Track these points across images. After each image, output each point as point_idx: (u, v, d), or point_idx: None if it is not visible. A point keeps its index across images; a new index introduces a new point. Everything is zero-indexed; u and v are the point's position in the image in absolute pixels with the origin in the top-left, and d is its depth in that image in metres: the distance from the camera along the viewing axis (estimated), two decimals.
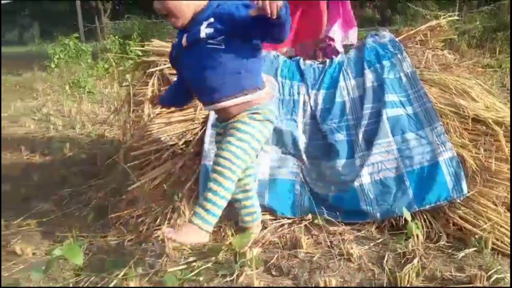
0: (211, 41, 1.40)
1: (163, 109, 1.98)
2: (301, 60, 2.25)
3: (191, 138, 1.99)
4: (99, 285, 1.48)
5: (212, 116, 1.97)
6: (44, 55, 7.85)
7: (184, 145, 1.98)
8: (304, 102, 2.12)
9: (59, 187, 2.38)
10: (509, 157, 1.80)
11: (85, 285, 1.48)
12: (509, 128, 1.86)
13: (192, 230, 1.40)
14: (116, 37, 7.97)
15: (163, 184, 1.91)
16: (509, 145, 1.83)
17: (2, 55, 11.35)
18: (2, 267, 1.60)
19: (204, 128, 1.97)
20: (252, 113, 1.48)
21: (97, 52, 8.22)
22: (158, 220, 1.85)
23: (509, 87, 4.37)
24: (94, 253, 1.64)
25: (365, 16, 14.27)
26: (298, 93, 2.12)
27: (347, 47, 2.47)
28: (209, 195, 1.41)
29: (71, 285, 1.46)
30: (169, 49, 2.05)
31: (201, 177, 1.90)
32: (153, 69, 2.05)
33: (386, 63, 2.14)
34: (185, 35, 1.46)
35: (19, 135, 3.65)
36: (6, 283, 1.44)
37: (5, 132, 3.75)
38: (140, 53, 6.94)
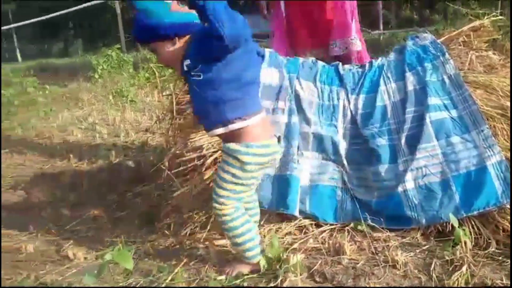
0: (192, 73, 1.45)
1: None
2: (340, 65, 2.25)
3: None
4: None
5: None
6: (88, 66, 8.19)
7: None
8: (344, 107, 2.11)
9: (107, 194, 2.48)
10: None
11: None
12: None
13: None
14: None
15: (205, 191, 1.96)
16: None
17: (48, 67, 11.93)
18: (55, 271, 1.68)
19: None
20: (229, 155, 1.47)
21: (138, 62, 8.48)
22: (202, 226, 1.90)
23: None
24: (142, 258, 1.70)
25: (403, 16, 13.99)
26: (338, 98, 2.11)
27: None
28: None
29: None
30: None
31: None
32: None
33: (428, 65, 2.09)
34: None
35: (67, 143, 3.82)
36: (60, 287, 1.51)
37: (54, 141, 3.94)
38: None
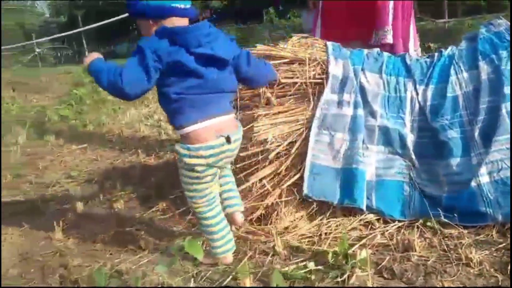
0: None
1: (269, 111, 2.04)
2: (407, 55, 2.17)
3: (295, 139, 2.02)
4: (216, 278, 1.57)
5: (318, 115, 1.99)
6: None
7: (288, 146, 2.02)
8: (412, 99, 2.04)
9: (174, 187, 2.57)
10: None
11: (203, 279, 1.58)
12: None
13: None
14: None
15: (268, 184, 1.98)
16: None
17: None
18: (129, 260, 1.77)
19: (309, 128, 1.99)
20: (179, 158, 1.59)
21: None
22: (265, 220, 1.92)
23: None
24: (208, 249, 1.74)
25: (470, 3, 13.20)
26: (405, 90, 2.04)
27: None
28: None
29: (192, 280, 1.57)
30: (273, 52, 2.12)
31: (306, 174, 1.93)
32: None
33: (503, 53, 1.97)
34: None
35: (135, 139, 4.01)
36: (136, 275, 1.59)
37: (123, 137, 4.15)
38: None
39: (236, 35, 9.22)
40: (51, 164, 3.43)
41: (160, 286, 1.54)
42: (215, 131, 1.54)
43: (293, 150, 2.00)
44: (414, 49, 2.68)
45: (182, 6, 1.52)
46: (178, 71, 1.48)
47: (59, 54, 20.58)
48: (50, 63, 17.74)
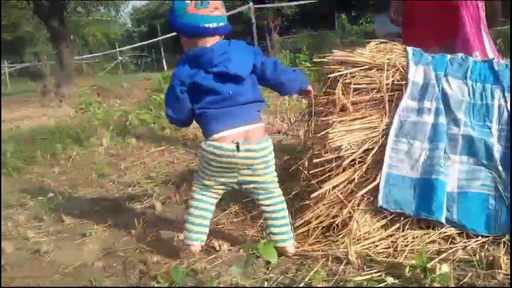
0: None
1: (344, 117, 2.01)
2: (495, 60, 2.04)
3: (371, 146, 1.98)
4: (287, 283, 1.57)
5: (396, 122, 1.93)
6: None
7: (364, 154, 1.98)
8: (500, 107, 1.91)
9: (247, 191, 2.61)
10: None
11: (275, 283, 1.59)
12: None
13: None
14: (287, 51, 8.42)
15: (341, 192, 1.95)
16: None
17: None
18: (204, 259, 1.83)
19: (386, 135, 1.94)
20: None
21: None
22: (340, 228, 1.89)
23: None
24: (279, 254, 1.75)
25: None
26: (492, 97, 1.92)
27: None
28: None
29: (265, 283, 1.59)
30: (350, 58, 2.10)
31: (382, 184, 1.87)
32: (335, 74, 2.09)
33: None
34: None
35: None
36: (210, 275, 1.64)
37: (198, 140, 4.29)
38: (309, 65, 7.22)
39: (307, 41, 9.26)
40: (131, 165, 3.64)
41: (233, 287, 1.57)
42: (238, 137, 1.68)
43: (368, 158, 1.95)
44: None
45: (214, 25, 1.66)
46: (198, 90, 1.68)
47: (139, 62, 21.88)
48: (131, 70, 18.90)
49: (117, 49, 19.29)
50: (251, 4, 11.84)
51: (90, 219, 2.45)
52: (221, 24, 1.68)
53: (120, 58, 18.13)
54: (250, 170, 1.73)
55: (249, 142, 1.68)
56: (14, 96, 13.47)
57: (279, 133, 4.28)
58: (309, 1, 17.30)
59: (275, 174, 1.84)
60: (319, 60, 2.24)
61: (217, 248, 1.92)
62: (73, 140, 4.58)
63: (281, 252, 1.75)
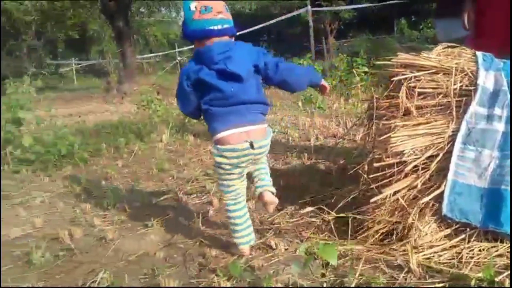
0: None
1: (408, 122, 1.96)
2: None
3: (436, 153, 1.92)
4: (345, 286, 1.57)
5: (463, 129, 1.86)
6: None
7: (427, 160, 1.92)
8: None
9: (303, 192, 2.62)
10: None
11: (328, 285, 1.59)
12: None
13: None
14: (344, 55, 8.31)
15: (403, 198, 1.90)
16: None
17: None
18: (260, 257, 1.85)
19: (452, 142, 1.87)
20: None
21: (325, 69, 8.73)
22: (399, 234, 1.85)
23: None
24: (339, 257, 1.74)
25: None
26: None
27: None
28: None
29: (324, 284, 1.59)
30: (417, 61, 2.05)
31: (446, 192, 1.82)
32: (399, 78, 2.05)
33: None
34: None
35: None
36: (267, 273, 1.66)
37: None
38: (366, 69, 7.09)
39: (365, 45, 9.08)
40: (190, 161, 3.75)
41: (291, 286, 1.58)
42: (241, 137, 1.76)
43: (432, 165, 1.90)
44: None
45: (219, 27, 1.78)
46: (203, 86, 1.78)
47: None
48: None
49: (176, 50, 19.89)
50: (309, 7, 11.79)
51: (151, 211, 2.55)
52: (226, 26, 1.81)
53: (179, 58, 18.65)
54: (255, 160, 1.85)
55: (260, 140, 1.79)
56: (79, 92, 14.27)
57: (334, 136, 4.24)
58: (368, 5, 16.99)
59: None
60: (382, 63, 2.20)
61: (274, 247, 1.94)
62: (135, 135, 4.78)
63: (267, 200, 1.91)
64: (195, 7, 1.77)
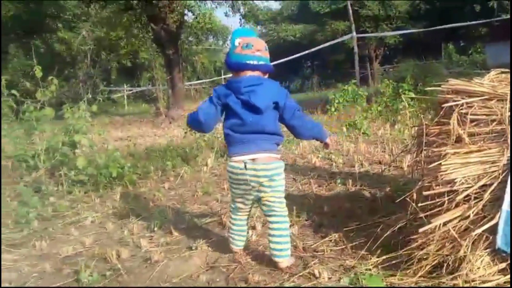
0: None
1: (459, 149, 1.90)
2: None
3: (489, 182, 1.84)
4: None
5: None
6: (325, 100, 8.77)
7: (480, 189, 1.84)
8: None
9: (347, 220, 2.57)
10: None
11: None
12: None
13: None
14: (390, 80, 8.19)
15: (454, 229, 1.82)
16: None
17: None
18: (302, 285, 1.83)
19: (507, 171, 1.79)
20: None
21: (371, 95, 8.64)
22: (450, 267, 1.77)
23: None
24: None
25: None
26: None
27: None
28: None
29: None
30: (469, 87, 1.99)
31: (501, 223, 1.72)
32: (450, 104, 2.00)
33: None
34: None
35: (308, 169, 4.15)
36: None
37: (297, 165, 4.34)
38: (413, 94, 6.94)
39: (412, 71, 8.90)
40: None
41: None
42: (244, 159, 2.00)
43: (486, 195, 1.81)
44: None
45: (254, 62, 2.03)
46: (227, 110, 2.05)
47: None
48: None
49: (222, 76, 20.41)
50: (354, 33, 11.81)
51: (196, 234, 2.59)
52: (261, 62, 2.04)
53: None
54: (257, 185, 2.00)
55: (256, 163, 1.99)
56: (130, 117, 14.87)
57: (380, 163, 4.16)
58: (414, 30, 16.77)
59: (282, 194, 2.05)
60: (432, 89, 2.16)
61: (317, 275, 1.91)
62: (181, 159, 4.91)
63: (274, 265, 2.03)
64: (239, 42, 2.04)
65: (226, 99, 2.02)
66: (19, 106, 4.30)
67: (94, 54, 20.32)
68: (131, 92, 24.57)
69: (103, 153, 4.41)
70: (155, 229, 2.75)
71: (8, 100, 4.23)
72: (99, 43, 19.97)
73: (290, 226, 2.52)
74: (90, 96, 4.84)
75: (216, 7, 23.12)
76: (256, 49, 2.04)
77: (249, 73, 2.03)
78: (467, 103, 1.97)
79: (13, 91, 4.21)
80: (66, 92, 17.32)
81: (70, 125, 4.20)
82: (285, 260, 2.01)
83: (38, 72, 4.15)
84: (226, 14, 21.93)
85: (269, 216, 2.05)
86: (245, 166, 1.99)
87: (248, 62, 2.02)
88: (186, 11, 14.19)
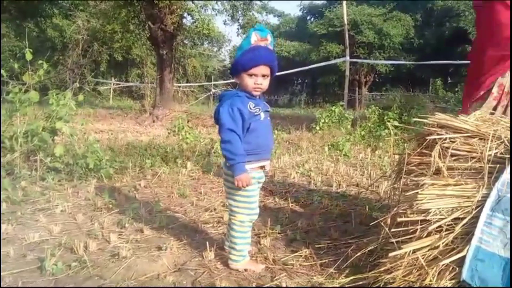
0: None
1: (438, 181, 1.94)
2: None
3: (462, 216, 1.87)
4: None
5: (493, 196, 1.82)
6: (311, 118, 8.83)
7: (453, 222, 1.88)
8: None
9: (320, 237, 2.58)
10: None
11: None
12: None
13: None
14: (376, 107, 8.32)
15: (423, 257, 1.85)
16: None
17: (276, 115, 13.31)
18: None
19: (480, 207, 1.83)
20: None
21: (356, 119, 8.75)
22: None
23: None
24: None
25: None
26: None
27: None
28: None
29: None
30: (454, 123, 2.04)
31: (468, 258, 1.75)
32: (434, 137, 2.05)
33: None
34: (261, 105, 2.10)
35: (285, 184, 4.16)
36: None
37: (275, 179, 4.35)
38: (397, 123, 7.05)
39: (399, 101, 9.01)
40: (210, 191, 3.77)
41: None
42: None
43: (457, 228, 1.84)
44: None
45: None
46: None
47: None
48: None
49: (212, 82, 20.42)
50: (347, 57, 12.00)
51: (167, 235, 2.56)
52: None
53: (213, 90, 19.13)
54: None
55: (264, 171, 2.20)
56: (114, 110, 14.71)
57: (357, 185, 4.19)
58: (406, 62, 17.13)
59: None
60: (419, 120, 2.20)
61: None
62: (161, 159, 4.86)
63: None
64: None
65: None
66: (4, 86, 4.22)
67: (86, 44, 20.08)
68: (118, 86, 24.32)
69: (82, 143, 4.35)
70: (126, 225, 2.71)
71: None
72: (94, 34, 19.78)
73: (263, 237, 2.54)
74: (78, 85, 4.77)
75: (216, 15, 23.17)
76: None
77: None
78: (450, 138, 2.01)
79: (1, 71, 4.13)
80: (52, 78, 17.04)
81: (54, 111, 4.13)
82: (233, 263, 2.14)
83: (29, 54, 4.08)
84: (224, 23, 22.06)
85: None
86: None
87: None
88: (185, 14, 14.19)
